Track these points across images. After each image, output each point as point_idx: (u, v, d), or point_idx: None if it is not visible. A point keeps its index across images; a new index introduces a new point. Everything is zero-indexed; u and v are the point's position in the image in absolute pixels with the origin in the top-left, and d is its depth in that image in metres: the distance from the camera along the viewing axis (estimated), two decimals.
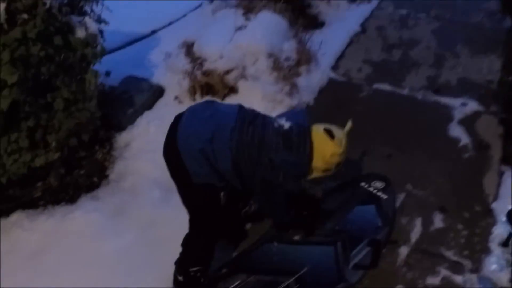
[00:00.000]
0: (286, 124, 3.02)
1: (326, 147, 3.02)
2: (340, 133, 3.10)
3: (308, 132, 3.01)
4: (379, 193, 3.74)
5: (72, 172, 4.07)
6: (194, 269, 3.24)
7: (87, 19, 3.76)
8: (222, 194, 3.26)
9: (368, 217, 3.60)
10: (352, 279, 3.39)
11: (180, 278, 3.28)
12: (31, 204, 3.90)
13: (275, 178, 3.02)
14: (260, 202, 3.43)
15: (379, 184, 3.79)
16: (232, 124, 3.02)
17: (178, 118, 3.19)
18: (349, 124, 3.18)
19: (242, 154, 2.98)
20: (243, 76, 4.78)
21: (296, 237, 3.45)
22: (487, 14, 6.71)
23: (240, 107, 3.20)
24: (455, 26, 6.44)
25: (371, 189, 3.78)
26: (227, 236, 3.64)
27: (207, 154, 2.96)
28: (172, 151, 3.07)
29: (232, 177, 3.06)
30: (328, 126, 3.08)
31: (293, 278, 3.15)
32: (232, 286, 3.27)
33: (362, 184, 3.82)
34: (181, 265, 3.30)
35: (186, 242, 3.30)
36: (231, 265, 3.43)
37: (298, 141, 2.97)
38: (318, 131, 3.05)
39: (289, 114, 3.17)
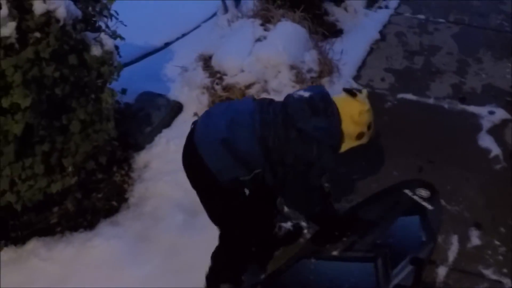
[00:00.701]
0: (306, 93, 2.91)
1: (352, 106, 2.90)
2: (361, 92, 3.00)
3: (329, 95, 2.91)
4: (424, 203, 3.51)
5: (90, 196, 3.91)
6: (226, 286, 3.13)
7: (102, 35, 3.63)
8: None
9: (412, 230, 3.40)
10: None
11: None
12: (48, 231, 3.74)
13: (309, 152, 2.82)
14: (292, 194, 3.04)
15: (424, 193, 3.57)
16: (251, 108, 2.92)
17: (194, 124, 3.09)
18: (364, 91, 3.06)
19: (268, 133, 2.83)
20: (265, 90, 4.65)
21: (335, 252, 3.25)
22: (507, 16, 6.66)
23: (252, 97, 3.17)
24: (475, 30, 6.40)
25: (415, 197, 3.55)
26: (259, 252, 3.45)
27: (228, 143, 2.82)
28: (192, 155, 2.95)
29: (260, 163, 2.85)
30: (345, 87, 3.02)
31: None
32: None
33: (406, 191, 3.59)
34: (211, 281, 3.18)
35: (216, 256, 3.18)
36: (265, 283, 3.30)
37: (324, 104, 2.84)
38: (338, 95, 2.98)
39: (306, 88, 3.07)
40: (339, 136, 2.90)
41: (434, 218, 3.51)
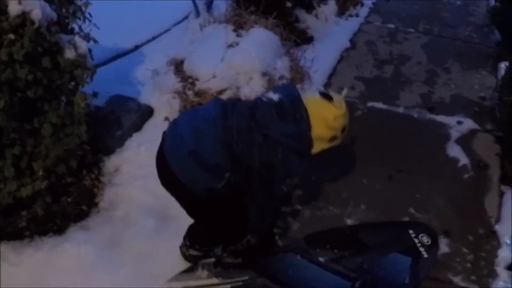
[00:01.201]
0: (275, 96, 2.84)
1: (327, 110, 2.82)
2: (337, 96, 2.91)
3: (301, 99, 2.85)
4: (422, 249, 3.52)
5: (59, 200, 3.82)
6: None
7: (76, 38, 3.55)
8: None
9: (400, 268, 3.40)
10: None
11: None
12: (16, 235, 3.64)
13: (273, 157, 2.76)
14: (254, 200, 2.95)
15: (426, 239, 3.57)
16: (214, 113, 2.88)
17: (164, 134, 3.11)
18: (344, 91, 3.06)
19: (231, 138, 2.81)
20: (237, 96, 4.59)
21: (321, 259, 3.29)
22: (475, 27, 6.81)
23: (217, 99, 3.11)
24: (444, 41, 6.54)
25: (416, 241, 3.56)
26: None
27: (196, 155, 2.82)
28: (165, 169, 3.00)
29: (229, 168, 2.84)
30: (323, 89, 2.94)
31: None
32: (236, 279, 3.21)
33: (410, 232, 3.61)
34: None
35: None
36: (247, 259, 3.35)
37: (293, 109, 2.78)
38: (313, 96, 2.90)
39: (276, 88, 3.02)
40: (308, 141, 2.84)
41: (424, 267, 3.50)
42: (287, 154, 2.77)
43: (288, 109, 2.78)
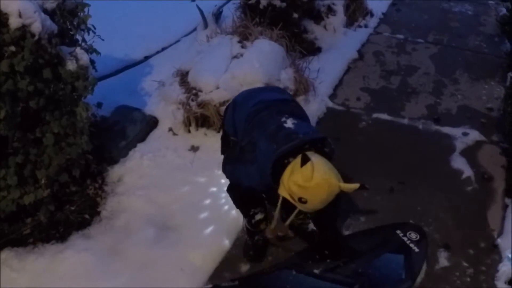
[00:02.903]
0: (290, 123, 3.05)
1: (288, 170, 2.87)
2: (320, 171, 2.81)
3: (296, 145, 2.91)
4: (411, 245, 3.62)
5: (63, 208, 3.91)
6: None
7: (78, 49, 3.63)
8: None
9: (394, 266, 3.50)
10: None
11: None
12: (20, 241, 3.73)
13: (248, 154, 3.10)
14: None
15: (414, 236, 3.69)
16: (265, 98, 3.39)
17: None
18: (354, 185, 2.96)
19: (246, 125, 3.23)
20: None
21: (316, 271, 3.34)
22: (485, 37, 6.75)
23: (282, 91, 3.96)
24: (453, 51, 6.48)
25: (405, 239, 3.67)
26: None
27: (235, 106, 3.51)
28: None
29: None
30: (316, 158, 2.85)
31: None
32: None
33: (398, 232, 3.72)
34: None
35: None
36: (244, 281, 3.38)
37: (278, 141, 2.93)
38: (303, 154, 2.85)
39: (304, 125, 3.17)
40: (268, 172, 2.95)
41: (417, 260, 3.57)
42: (253, 162, 3.05)
43: (278, 139, 2.94)
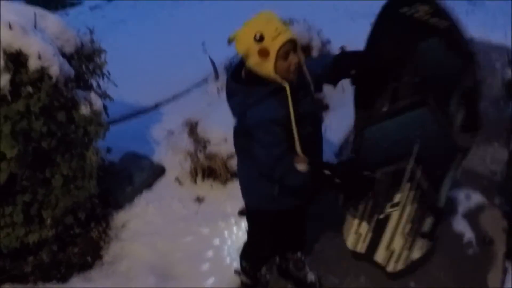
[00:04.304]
0: None
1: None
2: None
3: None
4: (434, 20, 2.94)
5: (66, 249, 3.96)
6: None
7: (92, 94, 3.75)
8: None
9: (442, 56, 2.94)
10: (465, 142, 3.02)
11: None
12: (21, 278, 3.77)
13: None
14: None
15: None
16: None
17: None
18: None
19: None
20: None
21: (385, 109, 3.10)
22: (491, 100, 6.78)
23: None
24: None
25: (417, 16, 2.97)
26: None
27: None
28: None
29: None
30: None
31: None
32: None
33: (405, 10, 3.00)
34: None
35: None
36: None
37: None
38: None
39: None
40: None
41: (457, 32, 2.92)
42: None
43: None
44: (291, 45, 2.63)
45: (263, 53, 2.57)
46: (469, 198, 4.91)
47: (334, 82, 3.23)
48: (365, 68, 3.11)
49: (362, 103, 3.39)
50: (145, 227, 4.30)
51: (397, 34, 3.01)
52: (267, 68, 2.60)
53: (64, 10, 11.10)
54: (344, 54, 3.24)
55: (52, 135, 3.43)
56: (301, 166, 2.68)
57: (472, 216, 4.72)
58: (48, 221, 3.63)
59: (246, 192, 3.19)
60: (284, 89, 2.63)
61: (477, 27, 10.04)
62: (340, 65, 3.09)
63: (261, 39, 2.55)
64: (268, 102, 2.65)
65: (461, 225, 4.61)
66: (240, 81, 2.74)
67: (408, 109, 3.06)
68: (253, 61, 2.62)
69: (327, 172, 2.79)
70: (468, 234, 4.51)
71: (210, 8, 10.97)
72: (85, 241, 4.06)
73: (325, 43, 6.07)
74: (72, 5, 11.69)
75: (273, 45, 2.56)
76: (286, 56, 2.62)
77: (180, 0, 11.42)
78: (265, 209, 3.11)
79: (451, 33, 2.92)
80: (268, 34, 2.56)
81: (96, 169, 3.91)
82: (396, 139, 3.12)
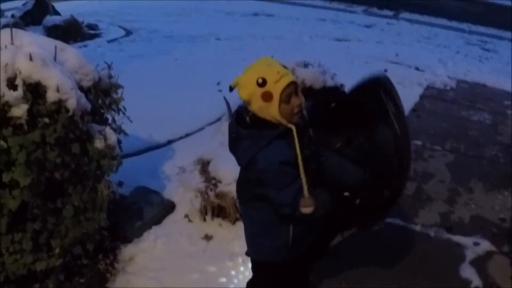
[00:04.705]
0: None
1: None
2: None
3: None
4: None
5: (72, 279, 3.98)
6: None
7: (107, 129, 3.82)
8: None
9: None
10: None
11: None
12: None
13: None
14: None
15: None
16: None
17: None
18: None
19: None
20: None
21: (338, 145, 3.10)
22: (502, 147, 6.84)
23: None
24: (470, 160, 6.58)
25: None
26: None
27: None
28: None
29: None
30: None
31: None
32: None
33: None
34: None
35: None
36: None
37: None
38: None
39: None
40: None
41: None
42: None
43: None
44: (293, 88, 2.70)
45: (267, 97, 2.64)
46: (477, 245, 4.91)
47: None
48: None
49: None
50: (153, 262, 4.31)
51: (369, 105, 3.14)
52: (272, 111, 2.66)
53: (83, 42, 11.37)
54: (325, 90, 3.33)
55: (65, 166, 3.49)
56: (307, 210, 2.69)
57: (480, 263, 4.70)
58: (57, 250, 3.67)
59: (252, 244, 3.20)
60: (291, 131, 2.68)
61: (491, 74, 10.24)
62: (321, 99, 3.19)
63: (263, 83, 2.62)
64: (278, 144, 2.69)
65: (468, 272, 4.59)
66: (246, 126, 2.78)
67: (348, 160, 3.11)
68: (257, 106, 2.69)
69: (346, 194, 2.82)
70: (476, 281, 4.49)
71: (226, 46, 11.20)
72: (92, 272, 4.08)
73: None
74: (91, 37, 11.97)
75: (276, 88, 2.63)
76: (289, 98, 2.68)
77: (197, 37, 11.65)
78: (272, 261, 3.13)
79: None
80: (270, 78, 2.63)
81: (107, 202, 3.95)
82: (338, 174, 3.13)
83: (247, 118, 2.78)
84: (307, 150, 2.75)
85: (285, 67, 2.75)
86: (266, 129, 2.70)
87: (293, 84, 2.69)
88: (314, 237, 3.11)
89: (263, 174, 2.72)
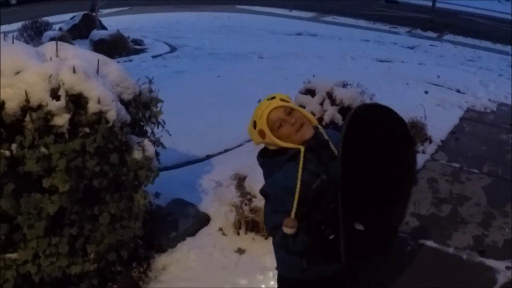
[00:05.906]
0: None
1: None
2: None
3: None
4: None
5: (105, 285, 4.09)
6: None
7: (146, 141, 3.92)
8: None
9: None
10: None
11: None
12: None
13: None
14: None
15: None
16: None
17: None
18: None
19: None
20: None
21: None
22: None
23: None
24: (506, 184, 6.51)
25: None
26: None
27: None
28: None
29: None
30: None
31: None
32: None
33: None
34: None
35: None
36: None
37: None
38: None
39: None
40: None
41: None
42: None
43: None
44: (281, 112, 2.79)
45: (262, 134, 2.82)
46: (509, 269, 4.86)
47: None
48: None
49: None
50: (185, 272, 4.39)
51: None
52: (274, 142, 2.78)
53: (129, 56, 11.64)
54: None
55: (104, 175, 3.61)
56: (288, 230, 2.70)
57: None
58: (92, 256, 3.78)
59: (276, 257, 3.21)
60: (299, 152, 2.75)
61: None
62: None
63: (255, 124, 2.87)
64: (289, 167, 2.75)
65: None
66: (265, 155, 2.93)
67: None
68: (265, 143, 2.87)
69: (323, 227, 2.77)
70: None
71: (269, 65, 11.30)
72: (125, 279, 4.18)
73: None
74: (137, 52, 12.25)
75: (262, 124, 2.80)
76: (279, 124, 2.78)
77: (240, 55, 11.80)
78: (289, 278, 3.14)
79: None
80: (257, 117, 2.85)
81: (143, 211, 4.06)
82: None
83: (268, 150, 2.92)
84: (313, 167, 2.76)
85: (272, 97, 2.87)
86: (279, 155, 2.81)
87: (276, 109, 2.80)
88: (329, 266, 3.03)
89: (265, 194, 2.87)
